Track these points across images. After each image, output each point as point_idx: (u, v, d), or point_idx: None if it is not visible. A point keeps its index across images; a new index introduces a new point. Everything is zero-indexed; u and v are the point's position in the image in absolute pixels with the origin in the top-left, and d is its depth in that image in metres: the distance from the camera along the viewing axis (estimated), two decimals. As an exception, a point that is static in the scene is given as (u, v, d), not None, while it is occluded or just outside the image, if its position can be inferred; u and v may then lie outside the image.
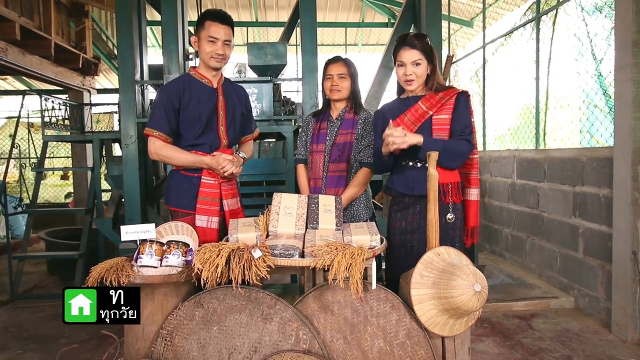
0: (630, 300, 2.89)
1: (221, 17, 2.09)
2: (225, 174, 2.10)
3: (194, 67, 2.21)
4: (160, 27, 4.05)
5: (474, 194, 2.13)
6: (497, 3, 6.18)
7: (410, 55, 2.01)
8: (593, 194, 3.34)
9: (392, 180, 2.17)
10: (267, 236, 1.90)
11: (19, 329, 3.28)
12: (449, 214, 2.03)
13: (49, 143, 4.61)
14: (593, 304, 3.37)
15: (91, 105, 5.87)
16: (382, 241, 1.86)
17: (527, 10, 5.18)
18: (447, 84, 2.34)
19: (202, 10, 4.52)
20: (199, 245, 1.80)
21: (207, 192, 2.14)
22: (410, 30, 4.38)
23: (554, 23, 4.44)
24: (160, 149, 2.10)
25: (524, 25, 4.88)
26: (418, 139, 1.92)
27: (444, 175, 1.99)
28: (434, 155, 1.81)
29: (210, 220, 2.13)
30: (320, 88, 2.50)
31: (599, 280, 3.31)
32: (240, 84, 2.42)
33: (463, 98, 2.04)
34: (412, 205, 2.08)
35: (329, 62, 2.36)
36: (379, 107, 2.30)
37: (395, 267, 2.12)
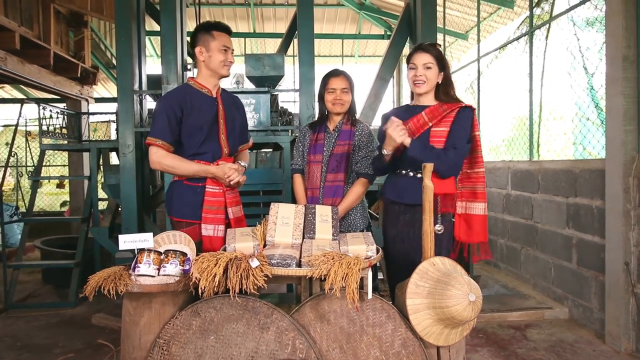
0: (624, 311, 2.92)
1: (227, 29, 2.19)
2: (232, 182, 2.12)
3: (193, 78, 2.24)
4: (159, 37, 4.09)
5: (479, 207, 2.08)
6: (491, 17, 6.28)
7: (422, 58, 2.08)
8: (586, 205, 3.38)
9: (384, 187, 2.25)
10: (265, 246, 1.92)
11: (13, 339, 3.26)
12: (437, 225, 2.03)
13: (46, 151, 4.61)
14: (587, 314, 3.39)
15: (89, 114, 5.89)
16: (378, 251, 1.88)
17: (520, 24, 5.27)
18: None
19: (201, 21, 4.59)
20: (204, 254, 1.82)
21: (212, 201, 2.15)
22: (407, 43, 4.45)
23: (546, 37, 4.52)
24: (164, 158, 2.10)
25: (517, 38, 4.96)
26: (407, 140, 1.98)
27: (437, 186, 2.00)
28: (429, 167, 1.84)
29: (217, 228, 2.15)
30: (317, 98, 2.54)
31: (592, 290, 3.34)
32: (238, 95, 2.47)
33: (465, 112, 2.06)
34: (402, 213, 2.13)
35: (331, 75, 2.38)
36: (384, 113, 2.36)
37: (393, 276, 2.20)
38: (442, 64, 2.09)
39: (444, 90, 2.11)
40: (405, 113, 2.16)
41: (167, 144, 2.10)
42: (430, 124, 2.06)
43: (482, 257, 2.12)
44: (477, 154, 2.09)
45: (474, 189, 2.10)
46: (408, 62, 2.15)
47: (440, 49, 2.13)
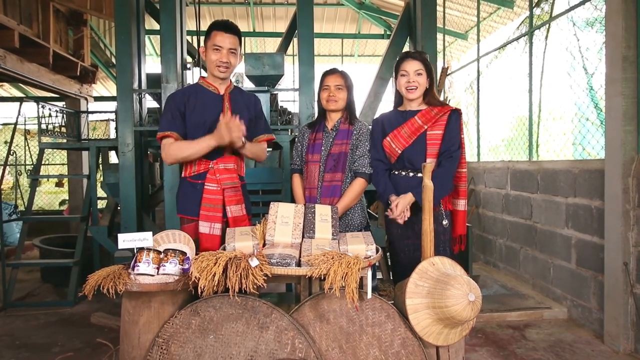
0: (622, 311, 2.92)
1: (226, 27, 2.16)
2: (233, 135, 2.02)
3: (203, 77, 2.28)
4: (158, 36, 4.08)
5: (462, 204, 2.30)
6: (491, 17, 6.28)
7: (413, 65, 2.21)
8: (585, 205, 3.39)
9: None
10: (264, 245, 1.92)
11: (11, 338, 3.25)
12: (444, 221, 2.20)
13: (45, 150, 4.61)
14: (586, 314, 3.40)
15: (88, 112, 5.88)
16: (377, 251, 1.88)
17: (520, 24, 5.27)
18: (442, 95, 2.52)
19: (200, 20, 4.58)
20: (201, 251, 1.82)
21: (210, 199, 2.16)
22: (407, 42, 4.45)
23: (546, 37, 4.52)
24: (169, 146, 2.12)
25: (517, 39, 4.96)
26: (411, 199, 2.10)
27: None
28: (429, 167, 1.84)
29: (213, 226, 2.15)
30: (317, 98, 2.54)
31: (591, 290, 3.34)
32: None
33: (455, 116, 2.22)
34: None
35: (327, 74, 2.41)
36: (376, 116, 2.47)
37: (397, 271, 2.31)
38: (429, 70, 2.24)
39: (431, 93, 2.27)
40: (398, 118, 2.28)
41: (176, 133, 2.13)
42: (425, 127, 2.20)
43: (462, 248, 2.35)
44: (462, 155, 2.24)
45: (458, 187, 2.28)
46: (397, 70, 2.27)
47: (426, 56, 2.27)
